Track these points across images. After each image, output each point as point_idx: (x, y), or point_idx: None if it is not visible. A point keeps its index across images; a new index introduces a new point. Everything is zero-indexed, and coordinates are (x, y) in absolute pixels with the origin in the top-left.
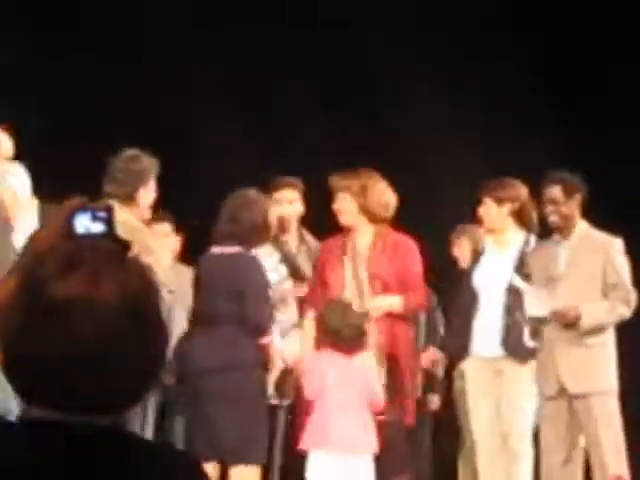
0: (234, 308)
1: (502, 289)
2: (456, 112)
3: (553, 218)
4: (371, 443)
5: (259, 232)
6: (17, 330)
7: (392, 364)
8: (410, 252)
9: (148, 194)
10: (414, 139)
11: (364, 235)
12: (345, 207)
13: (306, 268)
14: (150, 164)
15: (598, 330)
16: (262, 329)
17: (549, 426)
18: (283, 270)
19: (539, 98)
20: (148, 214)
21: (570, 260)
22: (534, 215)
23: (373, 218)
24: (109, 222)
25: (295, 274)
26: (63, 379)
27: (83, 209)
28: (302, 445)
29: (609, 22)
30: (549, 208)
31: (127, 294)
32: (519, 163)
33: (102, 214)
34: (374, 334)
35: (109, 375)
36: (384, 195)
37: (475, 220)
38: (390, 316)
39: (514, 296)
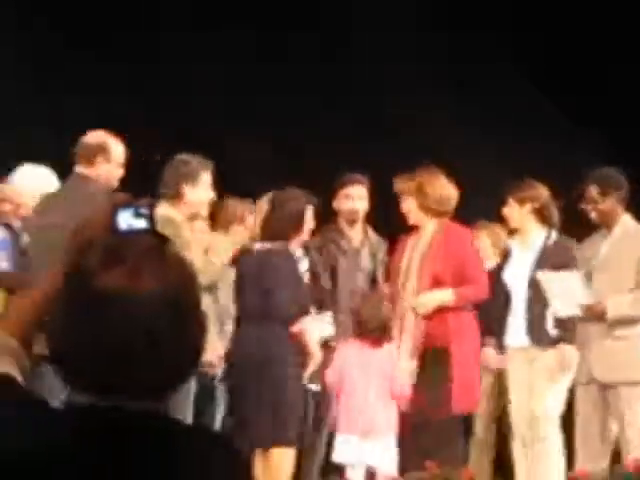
0: (264, 302)
1: (526, 283)
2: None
3: (593, 215)
4: (391, 427)
5: (293, 227)
6: (62, 320)
7: (439, 356)
8: (467, 245)
9: (196, 193)
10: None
11: (427, 231)
12: (407, 208)
13: (367, 261)
14: (198, 166)
15: (627, 322)
16: (286, 319)
17: (583, 405)
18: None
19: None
20: (200, 210)
21: (609, 252)
22: (555, 213)
23: (434, 213)
24: (150, 218)
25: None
26: (104, 367)
27: (126, 206)
28: (330, 429)
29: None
30: (588, 206)
31: (167, 287)
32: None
33: (144, 211)
34: (417, 328)
35: (149, 364)
36: (442, 190)
37: (499, 219)
38: (443, 310)
39: (535, 289)
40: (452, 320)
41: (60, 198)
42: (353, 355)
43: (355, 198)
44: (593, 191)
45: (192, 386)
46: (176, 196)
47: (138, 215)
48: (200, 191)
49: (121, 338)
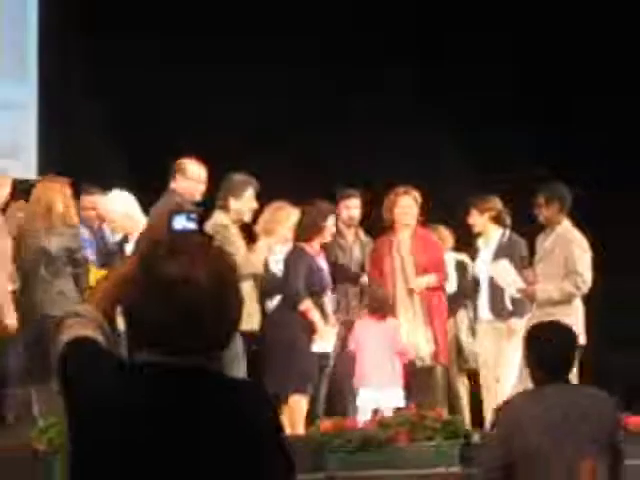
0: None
1: (488, 271)
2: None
3: (540, 218)
4: (399, 380)
5: (309, 230)
6: (135, 298)
7: (432, 322)
8: (437, 243)
9: (241, 203)
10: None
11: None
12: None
13: (357, 254)
14: (242, 182)
15: (554, 303)
16: (292, 300)
17: None
18: None
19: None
20: (245, 217)
21: (547, 248)
22: (507, 217)
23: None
24: (199, 222)
25: None
26: (168, 333)
27: (180, 212)
28: (355, 384)
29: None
30: (536, 211)
31: (214, 273)
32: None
33: (194, 216)
34: (418, 303)
35: (200, 330)
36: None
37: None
38: (429, 289)
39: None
40: (434, 296)
41: (154, 206)
42: (366, 328)
43: (352, 208)
44: (541, 200)
45: (239, 347)
46: (224, 206)
47: (189, 219)
48: (242, 203)
49: (180, 310)
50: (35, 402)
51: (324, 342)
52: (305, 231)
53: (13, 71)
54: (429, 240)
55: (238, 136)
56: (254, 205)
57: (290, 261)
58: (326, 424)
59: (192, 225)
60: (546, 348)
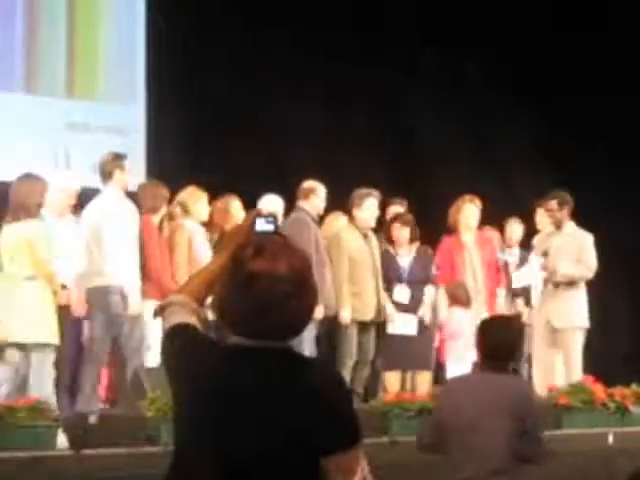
0: None
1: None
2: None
3: (550, 220)
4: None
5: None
6: (227, 290)
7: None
8: (492, 243)
9: (362, 213)
10: None
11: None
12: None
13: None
14: (362, 194)
15: (570, 286)
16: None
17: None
18: None
19: None
20: (370, 224)
21: (560, 243)
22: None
23: None
24: (275, 224)
25: None
26: (254, 320)
27: (260, 216)
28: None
29: None
30: (547, 214)
31: (293, 269)
32: None
33: (271, 219)
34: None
35: (282, 318)
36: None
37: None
38: (491, 283)
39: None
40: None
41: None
42: (459, 315)
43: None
44: (554, 205)
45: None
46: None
47: (268, 222)
48: (365, 212)
49: (264, 301)
50: (145, 378)
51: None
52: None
53: (122, 95)
54: (487, 241)
55: None
56: (377, 214)
57: None
58: (389, 396)
59: (271, 227)
60: (488, 340)
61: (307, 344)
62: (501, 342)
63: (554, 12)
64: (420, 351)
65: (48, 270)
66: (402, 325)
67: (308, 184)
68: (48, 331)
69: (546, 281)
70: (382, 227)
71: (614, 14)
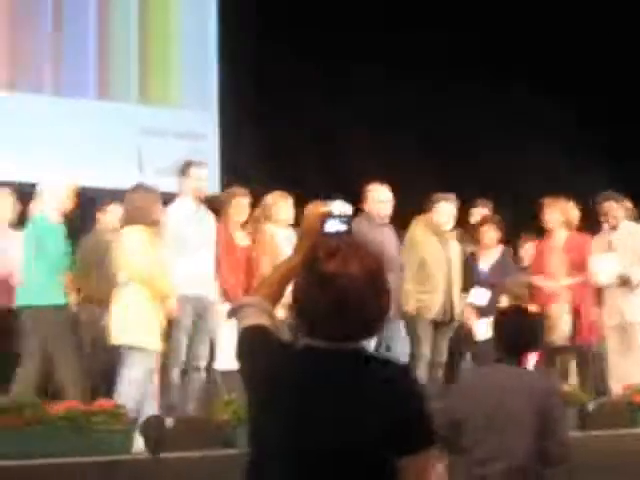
0: None
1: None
2: None
3: (610, 220)
4: None
5: None
6: (302, 291)
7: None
8: (585, 245)
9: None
10: None
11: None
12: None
13: None
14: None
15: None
16: None
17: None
18: None
19: None
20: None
21: (616, 244)
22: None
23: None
24: (349, 224)
25: None
26: (329, 322)
27: (332, 216)
28: None
29: None
30: (605, 216)
31: (366, 270)
32: None
33: (345, 219)
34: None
35: (356, 319)
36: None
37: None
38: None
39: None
40: None
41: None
42: None
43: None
44: (613, 204)
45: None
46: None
47: (342, 222)
48: (439, 215)
49: (339, 303)
50: (220, 381)
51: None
52: None
53: (196, 101)
54: (579, 242)
55: None
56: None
57: None
58: None
59: (343, 227)
60: (505, 330)
61: (399, 343)
62: (514, 333)
63: None
64: None
65: (148, 275)
66: (485, 331)
67: (369, 187)
68: (139, 335)
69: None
70: (467, 228)
71: None
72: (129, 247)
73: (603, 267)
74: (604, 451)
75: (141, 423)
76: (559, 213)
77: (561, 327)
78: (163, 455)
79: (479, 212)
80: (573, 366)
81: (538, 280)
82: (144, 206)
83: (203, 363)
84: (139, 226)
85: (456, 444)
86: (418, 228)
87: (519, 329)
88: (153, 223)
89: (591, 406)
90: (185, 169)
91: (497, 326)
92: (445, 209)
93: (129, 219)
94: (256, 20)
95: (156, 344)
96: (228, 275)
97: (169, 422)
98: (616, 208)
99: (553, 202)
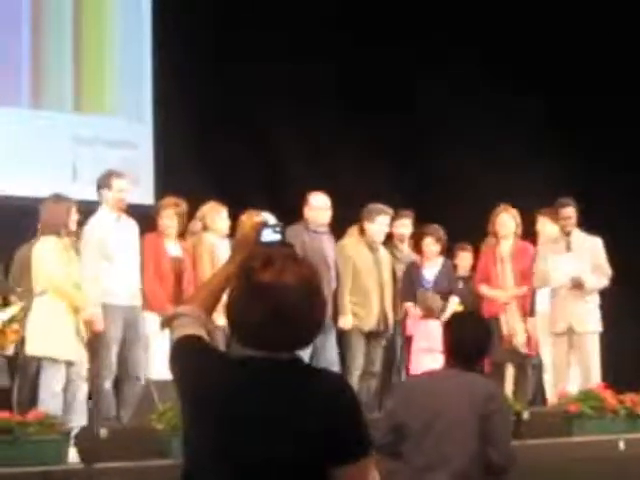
0: None
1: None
2: None
3: (567, 227)
4: None
5: None
6: (237, 301)
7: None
8: (530, 254)
9: (372, 227)
10: None
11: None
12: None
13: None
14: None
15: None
16: None
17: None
18: None
19: None
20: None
21: (574, 248)
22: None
23: None
24: (283, 234)
25: None
26: (264, 331)
27: (267, 226)
28: None
29: None
30: (565, 222)
31: (301, 280)
32: None
33: (279, 229)
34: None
35: (291, 329)
36: None
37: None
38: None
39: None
40: None
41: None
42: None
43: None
44: (572, 212)
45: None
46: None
47: (275, 232)
48: (376, 226)
49: (272, 313)
50: (155, 391)
51: None
52: None
53: (130, 110)
54: (523, 250)
55: None
56: (386, 230)
57: None
58: None
59: (278, 237)
60: (455, 335)
61: (330, 352)
62: (468, 338)
63: None
64: None
65: (60, 285)
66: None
67: (309, 195)
68: (56, 346)
69: (559, 287)
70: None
71: None
72: (42, 257)
73: (560, 267)
74: (539, 460)
75: (75, 434)
76: (513, 221)
77: (515, 336)
78: (97, 466)
79: (402, 224)
80: (510, 374)
81: (485, 290)
82: (57, 216)
83: (142, 372)
84: (52, 237)
85: (398, 449)
86: (350, 239)
87: (470, 335)
88: (67, 234)
89: (526, 415)
90: (106, 180)
91: (448, 330)
92: (380, 220)
93: (43, 229)
94: (192, 29)
95: (69, 355)
96: (153, 285)
97: (103, 432)
98: (575, 214)
99: (507, 209)
